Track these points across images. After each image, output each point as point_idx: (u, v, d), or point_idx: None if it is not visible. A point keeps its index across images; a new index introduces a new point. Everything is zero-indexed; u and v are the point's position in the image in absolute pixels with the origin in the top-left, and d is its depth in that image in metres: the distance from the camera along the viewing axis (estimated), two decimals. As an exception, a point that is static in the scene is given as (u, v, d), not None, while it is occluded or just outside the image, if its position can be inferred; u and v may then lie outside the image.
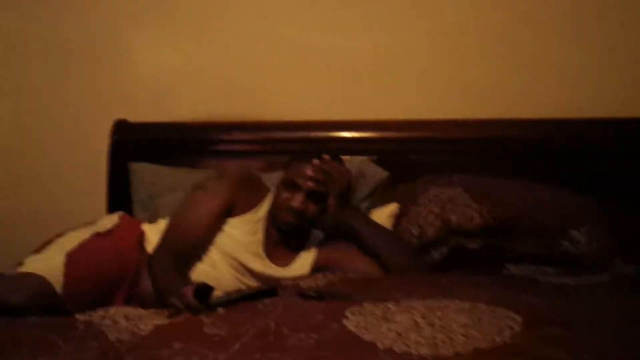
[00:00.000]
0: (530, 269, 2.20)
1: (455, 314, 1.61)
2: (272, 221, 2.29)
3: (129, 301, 2.18)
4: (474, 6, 2.86)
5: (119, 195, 2.92)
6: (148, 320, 1.76)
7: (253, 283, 2.23)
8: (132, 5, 3.07)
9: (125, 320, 1.80)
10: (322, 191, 2.20)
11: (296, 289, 2.03)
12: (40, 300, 1.95)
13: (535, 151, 2.71)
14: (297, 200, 2.20)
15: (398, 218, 2.44)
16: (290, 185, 2.23)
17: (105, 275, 2.14)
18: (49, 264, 2.07)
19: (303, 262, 2.29)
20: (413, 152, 2.79)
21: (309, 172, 2.19)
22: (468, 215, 2.28)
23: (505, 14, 2.83)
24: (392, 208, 2.46)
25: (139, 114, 3.03)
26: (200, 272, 2.21)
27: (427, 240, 2.32)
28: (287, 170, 2.30)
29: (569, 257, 2.20)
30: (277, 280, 2.19)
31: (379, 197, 2.62)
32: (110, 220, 2.37)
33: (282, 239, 2.29)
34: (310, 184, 2.18)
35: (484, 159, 2.73)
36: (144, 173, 2.84)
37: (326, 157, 2.20)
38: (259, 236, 2.29)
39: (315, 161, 2.18)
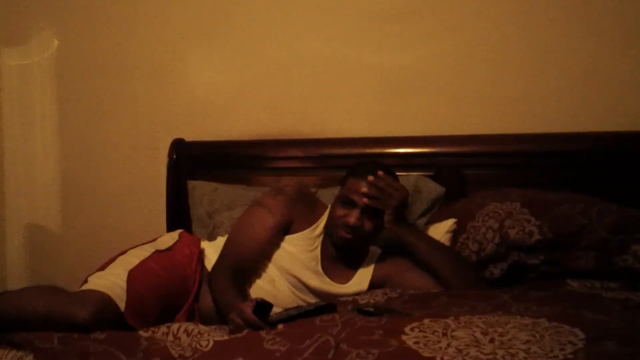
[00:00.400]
0: (593, 285, 2.17)
1: (516, 330, 1.59)
2: (330, 237, 2.30)
3: (190, 317, 2.22)
4: (525, 17, 2.83)
5: (179, 213, 2.97)
6: (209, 336, 1.78)
7: (311, 299, 2.25)
8: (187, 25, 3.12)
9: (187, 336, 1.83)
10: (377, 207, 2.20)
11: (354, 305, 2.04)
12: (104, 316, 1.98)
13: (595, 165, 2.67)
14: (352, 217, 2.20)
15: (455, 234, 2.43)
16: (345, 201, 2.23)
17: (166, 291, 2.18)
18: (111, 281, 2.11)
19: (361, 279, 2.29)
20: (469, 167, 2.77)
21: (364, 188, 2.19)
22: (527, 230, 2.26)
23: (558, 25, 2.80)
24: (449, 224, 2.45)
25: (195, 133, 3.08)
26: (259, 288, 2.24)
27: (485, 256, 2.31)
28: (342, 186, 2.31)
29: (631, 272, 2.15)
30: (335, 297, 2.20)
31: (436, 213, 2.61)
32: (170, 238, 2.41)
33: (340, 255, 2.30)
34: (365, 200, 2.19)
35: (542, 173, 2.70)
36: (202, 190, 2.88)
37: (380, 173, 2.20)
38: (317, 253, 2.31)
39: (370, 177, 2.18)
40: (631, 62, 2.74)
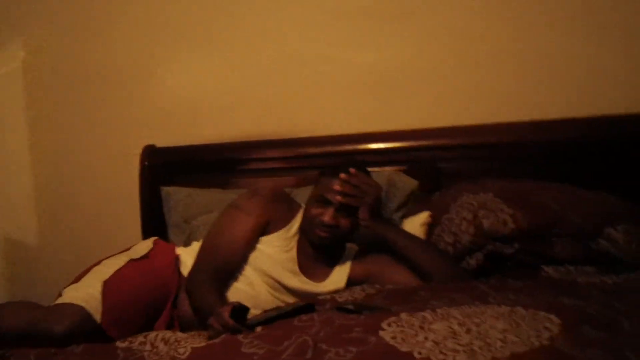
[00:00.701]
0: (569, 271, 2.17)
1: (493, 320, 1.59)
2: (306, 237, 2.29)
3: (170, 324, 2.21)
4: (494, 12, 2.83)
5: (154, 220, 2.95)
6: (186, 344, 1.76)
7: (290, 300, 2.24)
8: (157, 32, 3.11)
9: (164, 345, 1.81)
10: (352, 204, 2.20)
11: (333, 303, 2.03)
12: (81, 329, 1.98)
13: (570, 152, 2.67)
14: (328, 215, 2.19)
15: (431, 227, 2.43)
16: (320, 200, 2.23)
17: (142, 300, 2.17)
18: (87, 293, 2.10)
19: (339, 276, 2.29)
20: (443, 160, 2.77)
21: (338, 186, 2.18)
22: (501, 220, 2.26)
23: (527, 17, 2.80)
24: (424, 217, 2.46)
25: (170, 138, 3.07)
26: (237, 291, 2.22)
27: (461, 248, 2.31)
28: (316, 185, 2.30)
29: (607, 256, 2.16)
30: (314, 296, 2.19)
31: (411, 206, 2.61)
32: (144, 246, 2.40)
33: (317, 254, 2.30)
34: (339, 198, 2.18)
35: (515, 162, 2.70)
36: (176, 196, 2.87)
37: (353, 170, 2.19)
38: (293, 253, 2.30)
39: (343, 175, 2.18)
40: (594, 50, 2.75)
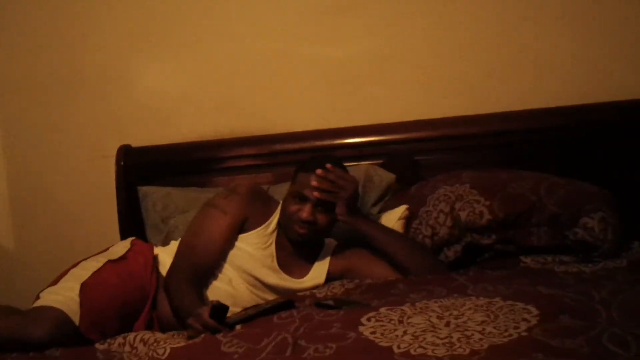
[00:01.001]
0: (546, 260, 2.19)
1: (471, 312, 1.61)
2: (285, 233, 2.29)
3: (150, 325, 2.19)
4: (470, 1, 2.84)
5: (132, 220, 2.93)
6: (165, 344, 1.76)
7: (270, 297, 2.23)
8: (129, 31, 3.08)
9: (144, 345, 1.81)
10: (329, 200, 2.19)
11: (313, 299, 2.04)
12: (60, 332, 1.96)
13: (545, 140, 2.69)
14: (305, 212, 2.19)
15: (409, 220, 2.43)
16: (297, 196, 2.22)
17: (121, 302, 2.15)
18: (65, 296, 2.07)
19: (318, 272, 2.29)
20: (419, 153, 2.78)
21: (314, 182, 2.18)
22: (477, 211, 2.27)
23: (504, 7, 2.81)
24: (401, 210, 2.45)
25: (144, 138, 3.05)
26: (217, 289, 2.22)
27: (439, 240, 2.32)
28: (292, 182, 2.29)
29: (584, 245, 2.18)
30: (293, 292, 2.19)
31: (389, 200, 2.61)
32: (122, 247, 2.38)
33: (295, 250, 2.29)
34: (316, 194, 2.17)
35: (492, 153, 2.70)
36: (153, 196, 2.85)
37: (329, 166, 2.19)
38: (272, 249, 2.29)
39: (319, 171, 2.18)
40: (568, 38, 2.78)
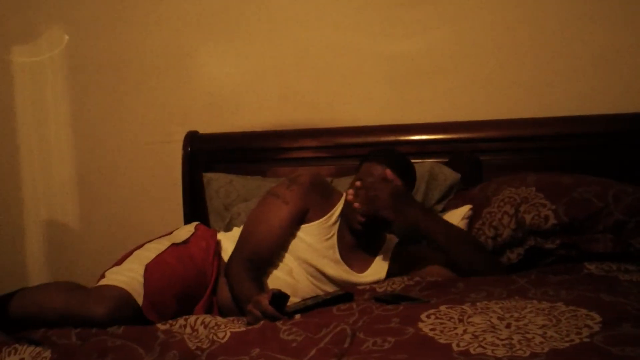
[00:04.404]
0: (611, 268, 2.14)
1: (532, 315, 1.59)
2: (347, 224, 2.29)
3: (209, 310, 2.22)
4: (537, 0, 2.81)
5: (196, 206, 2.97)
6: (226, 328, 1.78)
7: (330, 289, 2.25)
8: (199, 19, 3.12)
9: (204, 328, 1.84)
10: (369, 212, 2.18)
11: (372, 293, 2.04)
12: (122, 312, 2.00)
13: (610, 147, 2.65)
14: None
15: (471, 220, 2.42)
16: None
17: (181, 285, 2.18)
18: (129, 276, 2.12)
19: (379, 268, 2.29)
20: (485, 153, 2.76)
21: (349, 197, 2.20)
22: (543, 215, 2.24)
23: (570, 7, 2.77)
24: (464, 210, 2.44)
25: (209, 125, 3.08)
26: (277, 279, 2.24)
27: (502, 242, 2.30)
28: (357, 172, 2.30)
29: (650, 254, 2.14)
30: (353, 286, 2.20)
31: (452, 199, 2.61)
32: (186, 231, 2.42)
33: (357, 243, 2.30)
34: (356, 205, 2.17)
35: (558, 156, 2.69)
36: (217, 183, 2.89)
37: (358, 184, 2.19)
38: (333, 241, 2.30)
39: (357, 183, 2.19)
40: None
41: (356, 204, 2.17)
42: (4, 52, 3.32)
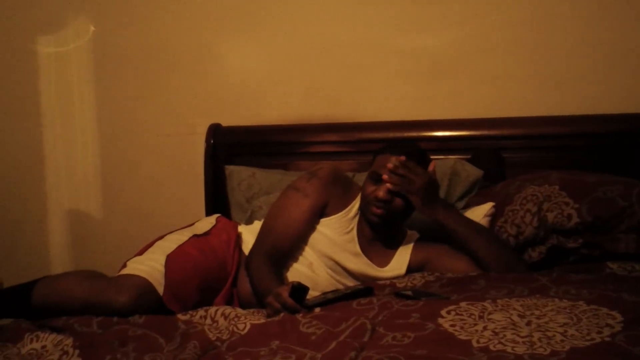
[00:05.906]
0: (634, 268, 2.13)
1: (553, 313, 1.59)
2: (364, 216, 2.29)
3: (229, 301, 2.23)
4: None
5: (217, 198, 2.99)
6: (246, 320, 1.80)
7: (350, 282, 2.25)
8: (223, 11, 3.12)
9: (224, 319, 1.85)
10: (398, 190, 2.17)
11: (392, 288, 2.04)
12: (143, 301, 2.02)
13: (634, 146, 2.63)
14: (382, 190, 2.17)
15: (494, 218, 2.41)
16: (374, 177, 2.22)
17: (202, 276, 2.19)
18: (150, 266, 2.14)
19: (399, 263, 2.29)
20: (507, 150, 2.75)
21: (388, 165, 2.16)
22: (566, 214, 2.23)
23: (597, 5, 2.75)
24: (487, 207, 2.43)
25: (232, 118, 3.09)
26: (297, 272, 2.24)
27: (524, 240, 2.29)
28: (371, 164, 2.30)
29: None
30: (373, 280, 2.20)
31: (474, 196, 2.59)
32: (207, 223, 2.43)
33: (376, 236, 2.30)
34: (385, 177, 2.16)
35: (581, 155, 2.67)
36: (239, 176, 2.90)
37: (402, 158, 2.17)
38: (353, 234, 2.30)
39: (389, 165, 2.15)
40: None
41: (385, 176, 2.16)
42: (30, 42, 3.33)
